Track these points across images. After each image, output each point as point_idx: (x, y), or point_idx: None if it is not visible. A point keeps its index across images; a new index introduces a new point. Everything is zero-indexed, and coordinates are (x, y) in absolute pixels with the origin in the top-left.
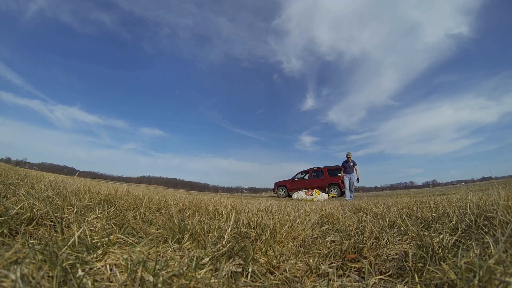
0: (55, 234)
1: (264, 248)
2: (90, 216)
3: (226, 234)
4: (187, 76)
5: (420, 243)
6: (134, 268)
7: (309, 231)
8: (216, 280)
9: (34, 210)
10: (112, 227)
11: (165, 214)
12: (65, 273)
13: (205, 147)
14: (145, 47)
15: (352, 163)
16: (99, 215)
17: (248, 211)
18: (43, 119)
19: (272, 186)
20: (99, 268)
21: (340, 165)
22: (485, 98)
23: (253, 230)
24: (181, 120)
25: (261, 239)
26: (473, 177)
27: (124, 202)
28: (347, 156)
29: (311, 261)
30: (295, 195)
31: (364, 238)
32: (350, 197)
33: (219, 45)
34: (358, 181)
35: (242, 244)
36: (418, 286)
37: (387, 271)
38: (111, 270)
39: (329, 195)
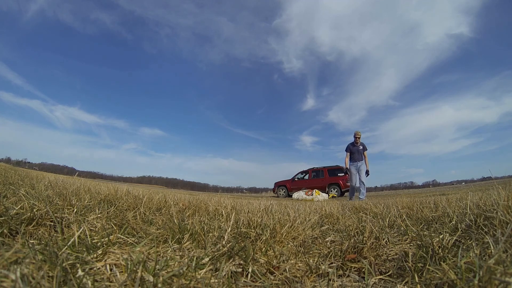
0: (55, 234)
1: (264, 248)
2: (90, 216)
3: (226, 234)
4: (187, 76)
5: (420, 243)
6: (134, 268)
7: (309, 231)
8: (216, 280)
9: (34, 210)
10: (112, 227)
11: (165, 214)
12: (65, 273)
13: (205, 147)
14: (146, 47)
15: (361, 147)
16: (99, 215)
17: (248, 211)
18: (43, 119)
19: (272, 186)
20: (99, 268)
21: (345, 149)
22: (485, 98)
23: (253, 230)
24: (181, 120)
25: (261, 239)
26: (473, 177)
27: (124, 202)
28: (355, 137)
29: (311, 261)
30: (295, 195)
31: (364, 238)
32: (363, 194)
33: (219, 45)
34: (368, 174)
35: (242, 244)
36: (418, 286)
37: (387, 271)
38: (111, 270)
39: (329, 195)
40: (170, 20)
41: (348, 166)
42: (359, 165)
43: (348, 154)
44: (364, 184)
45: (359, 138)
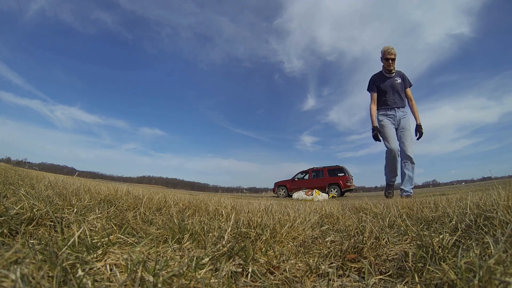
0: (55, 234)
1: (264, 248)
2: (90, 216)
3: (226, 234)
4: (188, 76)
5: (420, 243)
6: (134, 268)
7: (309, 231)
8: (216, 280)
9: (34, 210)
10: (112, 227)
11: (165, 214)
12: (65, 273)
13: (205, 147)
14: (146, 47)
15: (399, 79)
16: (99, 215)
17: (248, 211)
18: (43, 119)
19: (272, 186)
20: (99, 268)
21: (367, 89)
22: (485, 98)
23: (253, 230)
24: (182, 120)
25: (261, 239)
26: (473, 177)
27: (124, 202)
28: (384, 58)
29: (311, 261)
30: (295, 195)
31: (364, 238)
32: (409, 182)
33: (220, 45)
34: (421, 133)
35: (242, 244)
36: (418, 286)
37: (387, 271)
38: (111, 270)
39: (329, 195)
40: (171, 20)
41: (376, 124)
42: (400, 116)
43: (375, 96)
44: (411, 161)
45: (393, 60)
